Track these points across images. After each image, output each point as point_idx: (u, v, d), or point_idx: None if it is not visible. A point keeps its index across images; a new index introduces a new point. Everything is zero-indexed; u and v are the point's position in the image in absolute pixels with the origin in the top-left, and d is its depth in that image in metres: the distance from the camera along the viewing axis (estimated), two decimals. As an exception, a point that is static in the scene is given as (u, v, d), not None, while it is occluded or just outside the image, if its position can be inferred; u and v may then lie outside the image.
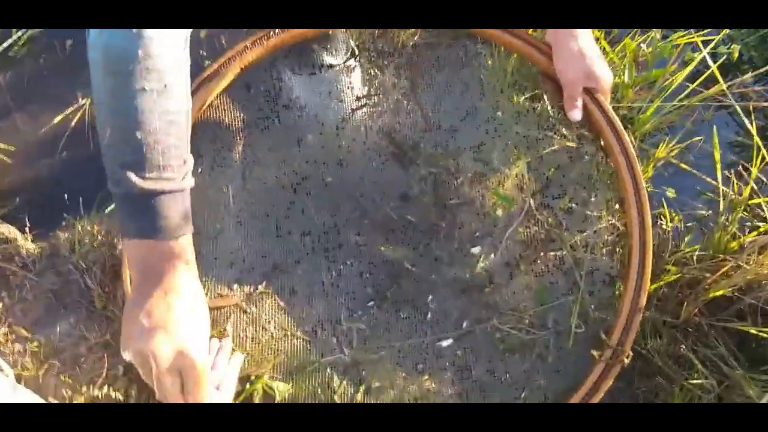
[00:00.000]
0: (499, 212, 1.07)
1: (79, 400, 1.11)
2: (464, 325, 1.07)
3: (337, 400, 1.04)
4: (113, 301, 1.18)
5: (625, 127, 1.09)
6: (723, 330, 1.17)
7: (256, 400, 1.03)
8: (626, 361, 1.01)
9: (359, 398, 1.04)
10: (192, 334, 0.83)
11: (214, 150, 1.11)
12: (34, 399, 1.05)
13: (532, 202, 1.07)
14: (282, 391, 1.04)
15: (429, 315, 1.07)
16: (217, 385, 0.95)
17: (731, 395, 1.11)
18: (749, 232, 1.19)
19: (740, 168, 1.31)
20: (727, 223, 1.19)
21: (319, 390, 1.04)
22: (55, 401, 1.11)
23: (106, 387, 1.12)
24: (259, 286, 1.07)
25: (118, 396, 1.11)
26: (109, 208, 1.24)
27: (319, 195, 1.10)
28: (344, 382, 1.05)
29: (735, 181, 1.23)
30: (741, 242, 1.17)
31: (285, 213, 1.09)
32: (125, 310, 0.85)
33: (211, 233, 1.09)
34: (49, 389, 1.14)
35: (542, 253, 1.07)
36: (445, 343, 1.07)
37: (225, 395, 0.95)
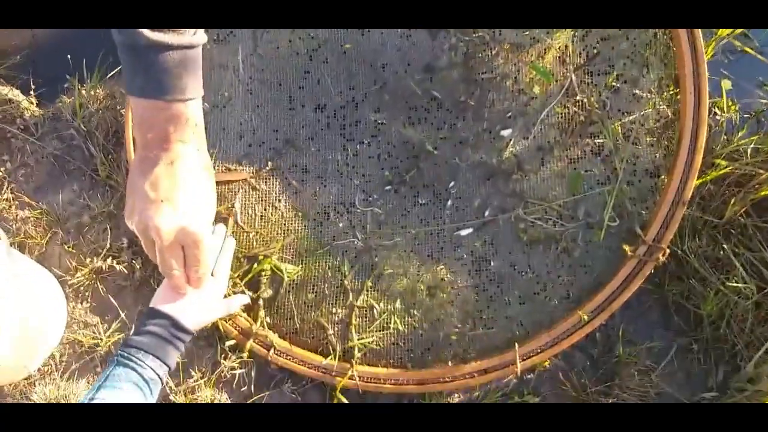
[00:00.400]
0: (536, 89, 0.96)
1: (84, 271, 1.08)
2: (486, 213, 0.99)
3: (347, 284, 0.99)
4: (117, 170, 1.12)
5: None
6: (769, 232, 1.08)
7: (264, 281, 0.99)
8: (662, 259, 0.94)
9: (370, 284, 0.99)
10: (198, 209, 0.77)
11: (222, 8, 1.00)
12: (29, 264, 1.02)
13: (574, 77, 0.95)
14: (291, 272, 0.99)
15: (449, 202, 1.00)
16: (211, 271, 0.90)
17: (771, 302, 1.04)
18: (811, 128, 1.07)
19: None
20: (787, 117, 1.06)
21: (330, 273, 0.99)
22: (59, 271, 1.08)
23: (110, 259, 1.09)
24: (270, 162, 1.00)
25: (122, 269, 1.08)
26: (114, 71, 1.15)
27: (337, 64, 0.99)
28: (356, 267, 0.99)
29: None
30: (802, 138, 1.06)
31: (299, 83, 1.00)
32: (129, 176, 0.78)
33: (218, 101, 1.00)
34: (54, 259, 1.10)
35: (580, 138, 0.97)
36: (464, 232, 1.00)
37: (219, 282, 0.90)
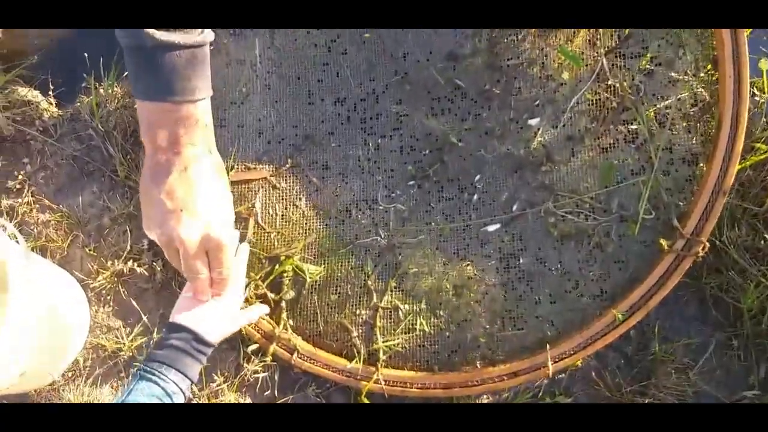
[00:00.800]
0: (565, 75, 0.91)
1: (105, 274, 1.07)
2: (514, 207, 0.95)
3: (370, 284, 0.96)
4: (135, 171, 1.11)
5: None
6: (814, 220, 1.01)
7: (286, 282, 0.96)
8: (701, 253, 0.88)
9: (394, 284, 0.96)
10: (217, 214, 0.76)
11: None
12: (51, 268, 1.01)
13: (605, 61, 0.90)
14: (313, 273, 0.96)
15: (475, 196, 0.96)
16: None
17: (815, 293, 0.98)
18: None
19: None
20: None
21: (353, 273, 0.97)
22: (80, 275, 1.07)
23: (130, 261, 1.07)
24: (290, 160, 0.97)
25: (143, 271, 1.06)
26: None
27: (356, 55, 0.96)
28: (379, 266, 0.96)
29: None
30: None
31: (318, 76, 0.97)
32: (141, 184, 0.76)
33: (236, 97, 0.98)
34: (75, 262, 1.10)
35: (612, 125, 0.92)
36: (491, 228, 0.96)
37: (237, 290, 0.88)
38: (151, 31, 0.66)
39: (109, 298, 1.08)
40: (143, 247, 1.09)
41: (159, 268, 1.07)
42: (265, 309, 0.95)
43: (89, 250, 1.08)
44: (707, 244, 0.88)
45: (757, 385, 1.02)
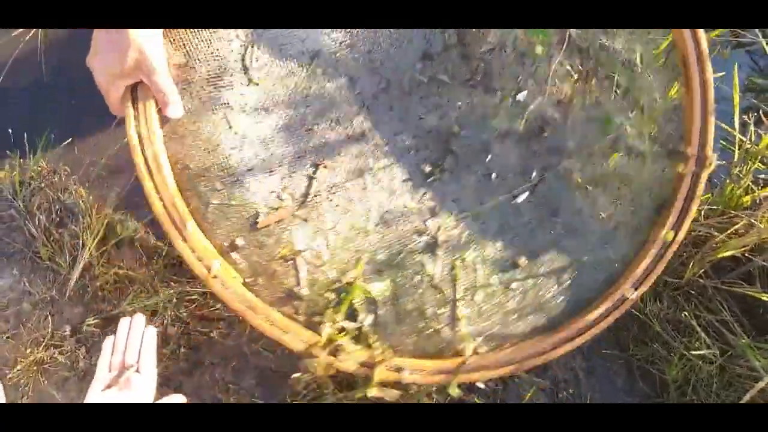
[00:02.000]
0: (539, 49, 0.99)
1: (23, 362, 0.74)
2: (533, 175, 0.92)
3: (437, 280, 0.86)
4: (59, 252, 0.87)
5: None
6: (728, 294, 1.05)
7: (359, 307, 0.84)
8: (711, 168, 0.90)
9: (459, 273, 0.87)
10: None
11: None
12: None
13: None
14: (381, 290, 0.85)
15: (493, 175, 0.92)
16: (136, 367, 0.80)
17: (734, 365, 0.99)
18: (764, 186, 1.07)
19: (760, 113, 1.16)
20: (740, 175, 1.05)
21: (417, 278, 0.86)
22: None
23: (51, 349, 0.79)
24: (310, 190, 0.87)
25: (65, 360, 0.78)
26: (58, 145, 0.97)
27: (334, 72, 0.92)
28: (437, 264, 0.87)
29: (753, 128, 1.10)
30: (755, 197, 1.05)
31: (304, 102, 0.90)
32: None
33: (234, 143, 0.87)
34: (-9, 351, 0.75)
35: (594, 81, 0.99)
36: (520, 199, 0.91)
37: (147, 378, 0.80)
38: None
39: (27, 388, 0.76)
40: (65, 333, 0.83)
41: (82, 356, 0.82)
42: (180, 398, 0.85)
43: (7, 337, 0.77)
44: (715, 160, 0.90)
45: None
